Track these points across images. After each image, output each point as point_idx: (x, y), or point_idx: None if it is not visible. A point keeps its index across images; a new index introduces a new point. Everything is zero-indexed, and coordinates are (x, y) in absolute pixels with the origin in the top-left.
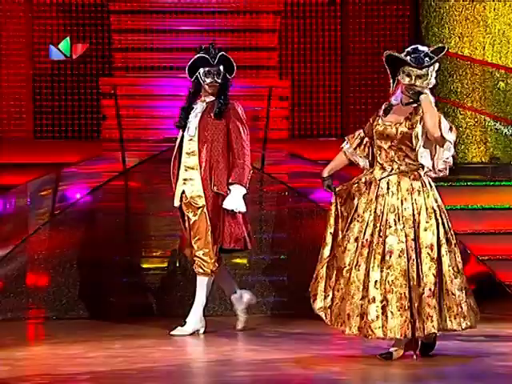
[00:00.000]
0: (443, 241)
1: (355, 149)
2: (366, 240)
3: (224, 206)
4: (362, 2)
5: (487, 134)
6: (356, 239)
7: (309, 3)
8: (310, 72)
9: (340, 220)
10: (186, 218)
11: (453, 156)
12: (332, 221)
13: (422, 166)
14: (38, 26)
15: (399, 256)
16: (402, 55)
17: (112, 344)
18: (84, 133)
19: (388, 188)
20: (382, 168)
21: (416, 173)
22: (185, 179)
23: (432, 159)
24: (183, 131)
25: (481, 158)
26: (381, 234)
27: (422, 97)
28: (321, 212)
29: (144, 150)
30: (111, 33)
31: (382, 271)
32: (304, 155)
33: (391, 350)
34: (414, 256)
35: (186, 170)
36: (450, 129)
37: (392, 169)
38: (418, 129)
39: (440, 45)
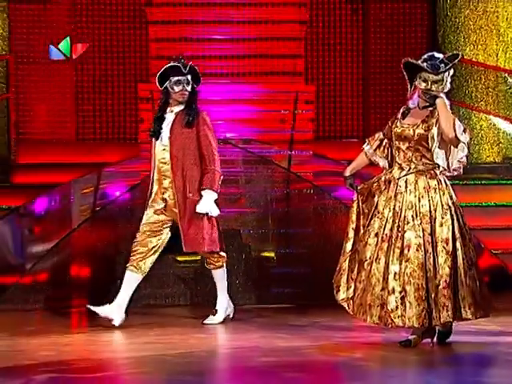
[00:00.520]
0: (458, 235)
1: (375, 150)
2: (386, 235)
3: (197, 211)
4: (383, 12)
5: (500, 136)
6: (376, 234)
7: (333, 13)
8: (334, 77)
9: (361, 216)
10: (160, 222)
11: (466, 156)
12: (354, 217)
13: (438, 166)
14: (82, 36)
15: (417, 250)
16: (419, 62)
17: (150, 331)
18: (123, 135)
19: (406, 186)
20: (401, 168)
21: (432, 172)
22: (165, 188)
23: (447, 159)
24: (156, 140)
25: (494, 158)
26: (399, 230)
27: (437, 101)
28: (343, 209)
29: None
30: (149, 42)
31: (400, 264)
32: (328, 155)
33: (410, 337)
34: (430, 250)
35: (164, 179)
36: (464, 130)
37: (410, 168)
38: (434, 130)
39: (455, 52)
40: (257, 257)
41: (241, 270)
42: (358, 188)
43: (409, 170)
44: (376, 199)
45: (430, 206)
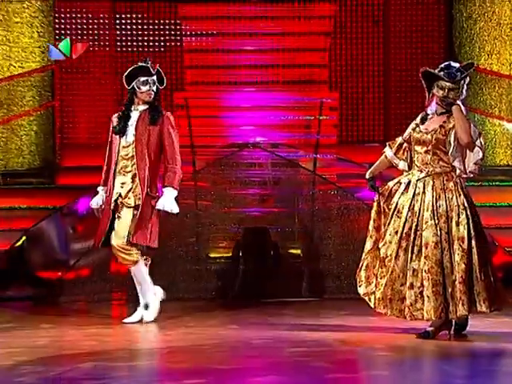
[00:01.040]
0: (473, 234)
1: (395, 153)
2: (405, 233)
3: (157, 207)
4: (402, 24)
5: None
6: (396, 233)
7: (355, 26)
8: (356, 85)
9: (382, 216)
10: (116, 215)
11: (481, 159)
12: (375, 216)
13: (455, 168)
14: (121, 52)
15: (434, 247)
16: (437, 71)
17: (186, 323)
18: None
19: (424, 188)
20: (419, 170)
21: (449, 174)
22: (122, 183)
23: (463, 162)
24: (120, 137)
25: (507, 161)
26: (418, 228)
27: (454, 107)
28: (365, 209)
29: (211, 154)
30: (183, 53)
31: (419, 261)
32: (351, 159)
33: (428, 329)
34: (447, 247)
35: (124, 175)
36: (479, 135)
37: (428, 171)
38: (451, 135)
39: (470, 61)
40: (284, 253)
41: (269, 266)
42: (379, 189)
43: (427, 173)
44: (396, 199)
45: (446, 207)
